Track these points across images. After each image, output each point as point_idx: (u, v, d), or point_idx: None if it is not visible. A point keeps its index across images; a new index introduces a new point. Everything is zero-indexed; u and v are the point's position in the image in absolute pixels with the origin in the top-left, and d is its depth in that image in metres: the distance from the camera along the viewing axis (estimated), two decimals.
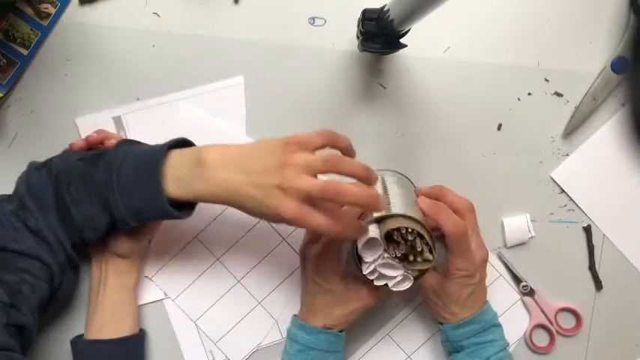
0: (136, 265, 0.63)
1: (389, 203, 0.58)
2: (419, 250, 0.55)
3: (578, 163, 0.69)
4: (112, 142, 0.60)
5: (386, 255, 0.56)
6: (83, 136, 0.64)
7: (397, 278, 0.57)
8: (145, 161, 0.53)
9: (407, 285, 0.57)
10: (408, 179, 0.66)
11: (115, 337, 0.61)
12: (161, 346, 0.67)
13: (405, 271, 0.56)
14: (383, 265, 0.56)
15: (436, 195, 0.62)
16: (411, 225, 0.55)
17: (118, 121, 0.66)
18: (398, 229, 0.55)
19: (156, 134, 0.64)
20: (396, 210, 0.56)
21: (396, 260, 0.56)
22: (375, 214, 0.56)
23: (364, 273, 0.57)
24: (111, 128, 0.65)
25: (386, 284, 0.57)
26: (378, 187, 0.61)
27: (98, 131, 0.63)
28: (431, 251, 0.56)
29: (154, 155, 0.53)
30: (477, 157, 0.69)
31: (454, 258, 0.59)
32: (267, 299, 0.68)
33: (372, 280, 0.57)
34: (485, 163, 0.69)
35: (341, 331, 0.62)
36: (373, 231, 0.56)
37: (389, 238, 0.56)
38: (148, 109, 0.66)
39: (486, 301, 0.63)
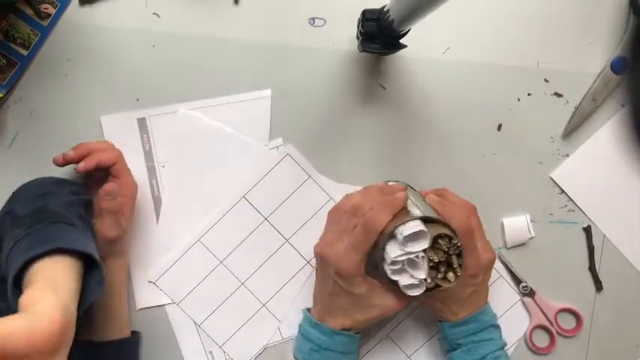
0: (117, 268, 0.63)
1: (415, 203, 0.60)
2: (453, 266, 0.56)
3: (578, 164, 0.69)
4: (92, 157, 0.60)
5: (422, 255, 0.55)
6: (106, 135, 0.65)
7: (413, 280, 0.56)
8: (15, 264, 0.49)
9: (417, 292, 0.56)
10: (412, 187, 0.66)
11: (109, 340, 0.61)
12: (161, 348, 0.67)
13: (425, 278, 0.56)
14: (411, 262, 0.55)
15: (439, 195, 0.63)
16: (457, 237, 0.56)
17: (142, 122, 0.66)
18: (449, 237, 0.56)
19: (179, 139, 0.66)
20: (425, 210, 0.58)
21: (429, 264, 0.55)
22: (425, 214, 0.57)
23: (392, 257, 0.55)
24: (134, 129, 0.66)
25: (396, 282, 0.56)
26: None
27: (76, 148, 0.61)
28: (456, 274, 0.56)
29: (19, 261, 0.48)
30: (477, 157, 0.69)
31: (465, 257, 0.58)
32: (272, 301, 0.68)
33: (388, 270, 0.56)
34: (485, 163, 0.69)
35: (357, 333, 0.61)
36: (421, 224, 0.55)
37: (434, 240, 0.55)
38: (173, 113, 0.66)
39: (487, 302, 0.63)
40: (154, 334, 0.67)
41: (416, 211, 0.58)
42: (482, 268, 0.60)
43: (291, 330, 0.68)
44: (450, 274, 0.56)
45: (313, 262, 0.68)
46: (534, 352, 0.70)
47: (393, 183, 0.65)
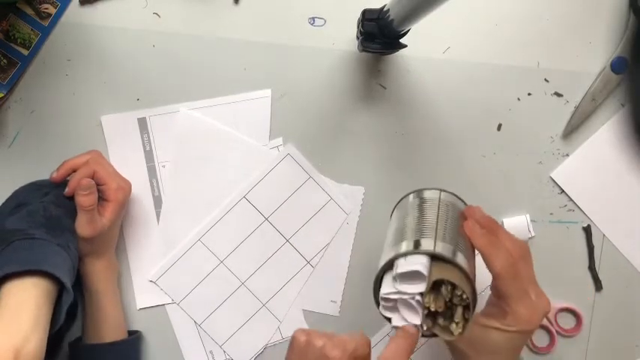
0: (98, 269, 0.62)
1: (437, 227, 0.51)
2: (454, 320, 0.47)
3: (578, 164, 0.69)
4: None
5: (418, 298, 0.47)
6: (106, 135, 0.65)
7: (406, 322, 0.48)
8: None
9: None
10: (458, 198, 0.58)
11: (102, 342, 0.61)
12: (161, 347, 0.67)
13: (420, 324, 0.48)
14: (405, 303, 0.48)
15: (487, 228, 0.53)
16: (466, 289, 0.47)
17: (142, 122, 0.66)
18: (453, 285, 0.47)
19: (179, 139, 0.66)
20: (444, 242, 0.49)
21: (425, 311, 0.47)
22: (435, 249, 0.48)
23: (384, 292, 0.48)
24: (135, 129, 0.66)
25: (389, 318, 0.49)
26: (431, 208, 0.54)
27: (59, 168, 0.60)
28: (462, 329, 0.47)
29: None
30: (476, 157, 0.69)
31: (514, 305, 0.50)
32: (272, 301, 0.68)
33: (381, 302, 0.49)
34: (485, 163, 0.69)
35: None
36: (422, 263, 0.47)
37: (434, 285, 0.47)
38: (173, 113, 0.66)
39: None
40: (154, 334, 0.67)
41: (428, 243, 0.49)
42: (539, 319, 0.51)
43: (291, 330, 0.68)
44: (454, 326, 0.47)
45: (313, 262, 0.68)
46: (534, 352, 0.70)
47: (431, 191, 0.57)
